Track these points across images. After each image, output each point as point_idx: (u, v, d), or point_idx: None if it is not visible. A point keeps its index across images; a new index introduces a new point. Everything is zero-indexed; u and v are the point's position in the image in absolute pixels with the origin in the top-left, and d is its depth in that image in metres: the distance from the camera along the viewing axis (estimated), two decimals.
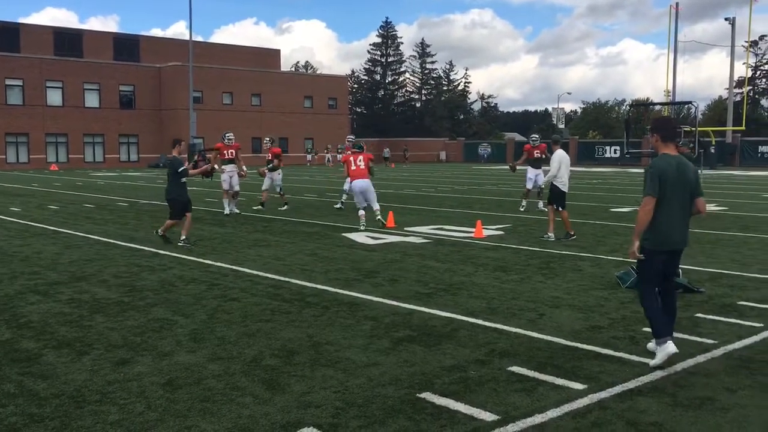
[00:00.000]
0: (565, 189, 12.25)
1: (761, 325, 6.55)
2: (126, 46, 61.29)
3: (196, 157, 15.62)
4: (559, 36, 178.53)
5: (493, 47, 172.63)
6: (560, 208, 12.26)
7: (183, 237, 11.58)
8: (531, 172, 17.69)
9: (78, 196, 22.89)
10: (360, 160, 14.07)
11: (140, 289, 8.09)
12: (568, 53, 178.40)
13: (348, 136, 21.63)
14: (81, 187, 27.84)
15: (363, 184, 13.95)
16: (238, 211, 16.63)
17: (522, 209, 17.41)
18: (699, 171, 5.74)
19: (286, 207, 17.65)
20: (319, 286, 8.26)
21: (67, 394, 4.73)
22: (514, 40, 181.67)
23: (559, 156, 12.18)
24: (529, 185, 17.77)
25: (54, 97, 52.16)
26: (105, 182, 31.84)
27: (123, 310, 7.07)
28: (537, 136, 18.61)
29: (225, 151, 16.52)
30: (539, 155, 17.73)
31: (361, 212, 13.95)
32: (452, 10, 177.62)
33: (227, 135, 16.94)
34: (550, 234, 12.26)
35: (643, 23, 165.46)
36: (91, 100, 53.72)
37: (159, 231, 11.87)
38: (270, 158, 17.67)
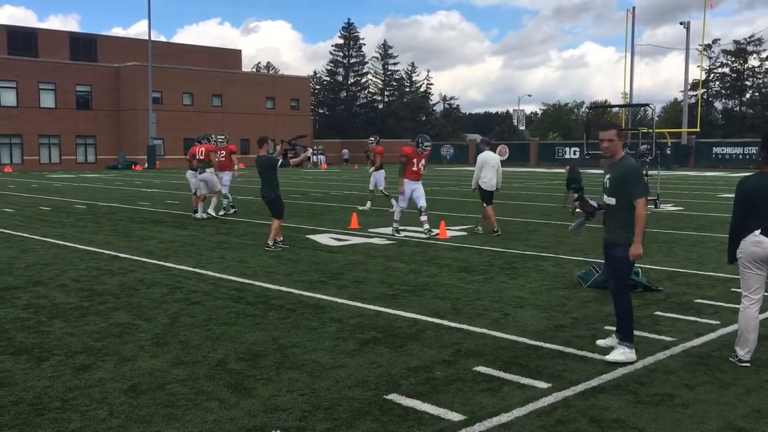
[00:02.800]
0: (487, 188, 13.11)
1: (717, 322, 6.72)
2: (83, 45, 60.04)
3: (278, 147, 15.02)
4: (524, 38, 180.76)
5: (459, 49, 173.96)
6: (485, 204, 13.19)
7: (280, 239, 11.49)
8: (377, 174, 18.32)
9: (34, 199, 22.36)
10: (423, 163, 12.97)
11: (100, 293, 7.94)
12: (532, 55, 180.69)
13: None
14: (37, 189, 27.20)
15: (416, 185, 12.96)
16: (206, 215, 16.42)
17: (365, 208, 17.84)
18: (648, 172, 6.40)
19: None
20: (283, 289, 8.22)
21: (26, 401, 4.62)
22: (480, 42, 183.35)
23: (482, 158, 13.16)
24: (372, 186, 18.34)
25: (8, 97, 50.83)
26: (62, 184, 31.16)
27: (83, 315, 6.93)
28: (373, 138, 19.25)
29: (218, 152, 16.32)
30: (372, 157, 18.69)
31: (398, 210, 13.23)
32: (420, 12, 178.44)
33: (219, 137, 16.87)
34: (488, 225, 13.27)
35: (607, 26, 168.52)
36: (47, 100, 52.47)
37: (270, 242, 11.28)
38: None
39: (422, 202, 12.89)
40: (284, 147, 14.90)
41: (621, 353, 5.49)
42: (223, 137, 17.16)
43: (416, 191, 12.87)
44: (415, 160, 12.81)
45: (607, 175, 5.70)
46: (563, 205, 18.55)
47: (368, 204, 18.25)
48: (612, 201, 5.62)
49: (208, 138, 16.77)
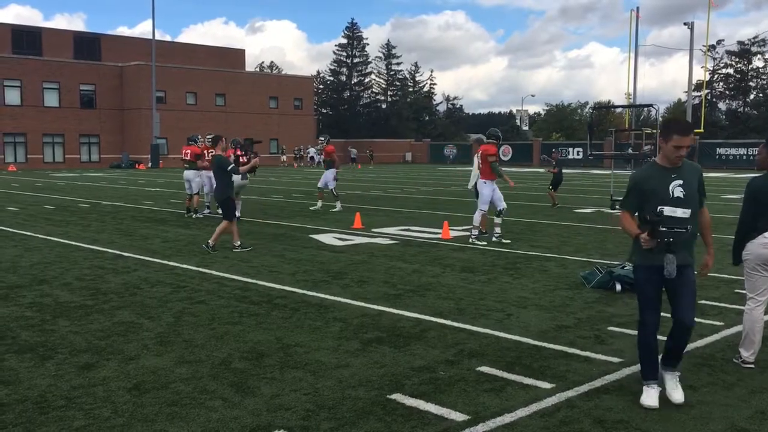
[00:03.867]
0: None
1: (721, 323, 6.71)
2: (86, 44, 60.18)
3: (235, 152, 14.88)
4: (530, 39, 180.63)
5: (464, 49, 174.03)
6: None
7: (237, 243, 11.08)
8: (329, 173, 18.11)
9: (38, 197, 22.41)
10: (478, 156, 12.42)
11: (104, 292, 7.95)
12: (537, 56, 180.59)
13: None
14: (41, 188, 27.25)
15: (478, 184, 12.40)
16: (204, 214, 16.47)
17: (313, 209, 17.66)
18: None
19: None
20: (287, 288, 8.22)
21: (30, 399, 4.64)
22: (485, 42, 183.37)
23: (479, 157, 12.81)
24: (320, 184, 18.14)
25: (12, 96, 50.97)
26: (65, 183, 31.23)
27: (87, 314, 6.94)
28: (322, 138, 19.04)
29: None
30: (325, 156, 18.52)
31: (478, 217, 12.30)
32: (425, 11, 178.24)
33: (208, 136, 16.81)
34: (481, 229, 12.81)
35: (612, 27, 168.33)
36: (51, 99, 52.63)
37: (235, 243, 11.02)
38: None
39: (503, 204, 12.36)
40: (239, 152, 14.92)
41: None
42: (212, 136, 16.97)
43: (496, 192, 12.29)
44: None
45: (676, 183, 4.59)
46: (555, 203, 19.24)
47: (318, 204, 18.10)
48: (687, 214, 4.60)
49: (195, 139, 16.77)
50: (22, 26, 59.91)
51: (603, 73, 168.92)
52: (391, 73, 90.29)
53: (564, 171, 20.58)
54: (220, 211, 16.36)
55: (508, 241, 12.10)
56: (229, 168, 11.10)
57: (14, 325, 6.50)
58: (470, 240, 12.13)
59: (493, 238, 12.23)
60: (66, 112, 53.01)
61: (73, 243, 11.98)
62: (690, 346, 5.96)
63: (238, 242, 11.15)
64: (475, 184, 12.94)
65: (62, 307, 7.25)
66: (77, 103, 53.87)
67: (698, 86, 63.98)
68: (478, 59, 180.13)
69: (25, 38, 57.19)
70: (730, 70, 73.33)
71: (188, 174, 16.54)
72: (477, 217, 12.29)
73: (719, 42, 72.58)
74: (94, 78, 54.59)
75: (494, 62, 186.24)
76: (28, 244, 11.91)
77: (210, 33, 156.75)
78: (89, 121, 54.25)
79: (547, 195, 20.03)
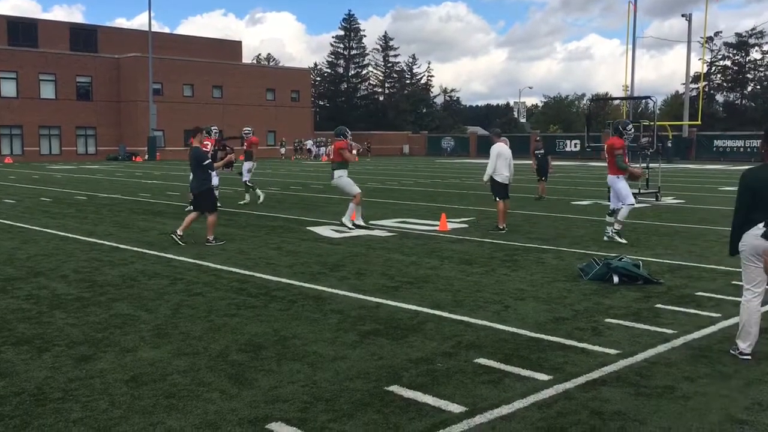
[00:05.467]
0: (502, 180, 12.60)
1: (719, 315, 6.71)
2: (83, 36, 59.88)
3: (214, 144, 14.87)
4: (530, 30, 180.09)
5: (465, 41, 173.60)
6: (497, 198, 12.66)
7: (179, 232, 10.96)
8: (247, 164, 17.91)
9: (34, 190, 22.36)
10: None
11: (101, 285, 7.94)
12: (537, 48, 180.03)
13: None
14: (37, 180, 27.18)
15: (608, 179, 11.56)
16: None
17: (242, 203, 17.36)
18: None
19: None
20: (284, 280, 8.21)
21: (27, 391, 4.63)
22: (486, 33, 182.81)
23: (495, 149, 12.61)
24: (245, 177, 17.91)
25: (8, 88, 50.74)
26: (62, 175, 31.14)
27: (84, 306, 6.93)
28: (248, 129, 18.98)
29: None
30: (246, 147, 18.30)
31: (610, 218, 11.58)
32: (426, 2, 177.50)
33: (212, 128, 16.80)
34: (501, 226, 12.63)
35: (613, 18, 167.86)
36: (47, 91, 52.39)
37: (209, 237, 10.89)
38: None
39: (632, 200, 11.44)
40: (217, 146, 14.92)
41: None
42: (215, 129, 16.98)
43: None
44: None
45: None
46: (541, 195, 19.39)
47: (259, 195, 17.66)
48: None
49: (210, 131, 16.66)
50: (18, 18, 59.55)
51: (602, 64, 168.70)
52: (389, 65, 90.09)
53: (562, 163, 20.58)
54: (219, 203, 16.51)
55: (624, 241, 11.18)
56: (205, 163, 10.95)
57: (11, 318, 6.49)
58: (607, 238, 11.34)
59: (605, 238, 11.43)
60: (62, 104, 52.78)
61: (70, 235, 11.95)
62: (687, 337, 5.97)
63: (181, 233, 10.92)
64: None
65: (59, 299, 7.24)
66: (74, 95, 53.61)
67: (696, 78, 63.96)
68: (478, 51, 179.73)
69: (21, 30, 56.85)
70: (728, 62, 73.29)
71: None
72: (624, 213, 11.31)
73: (717, 34, 72.52)
74: (91, 70, 54.33)
75: (494, 54, 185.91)
76: (25, 236, 11.88)
77: (209, 25, 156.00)
78: (86, 113, 54.02)
79: (537, 188, 19.86)
